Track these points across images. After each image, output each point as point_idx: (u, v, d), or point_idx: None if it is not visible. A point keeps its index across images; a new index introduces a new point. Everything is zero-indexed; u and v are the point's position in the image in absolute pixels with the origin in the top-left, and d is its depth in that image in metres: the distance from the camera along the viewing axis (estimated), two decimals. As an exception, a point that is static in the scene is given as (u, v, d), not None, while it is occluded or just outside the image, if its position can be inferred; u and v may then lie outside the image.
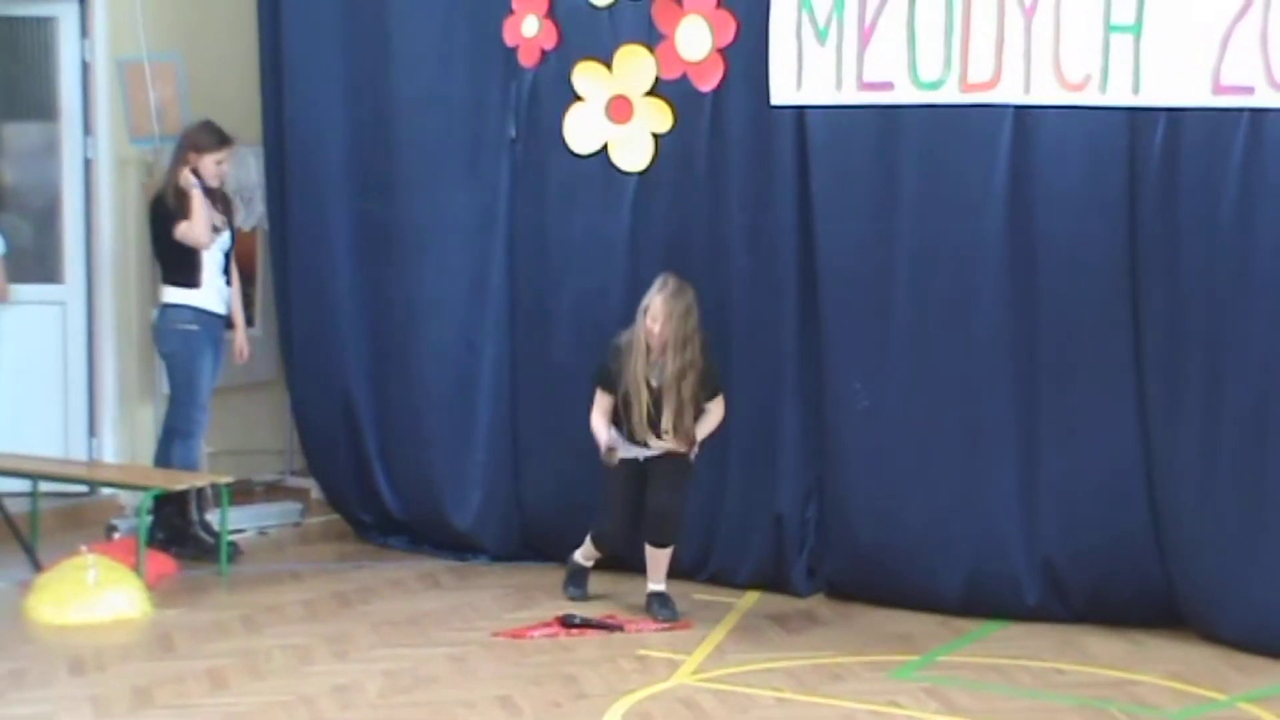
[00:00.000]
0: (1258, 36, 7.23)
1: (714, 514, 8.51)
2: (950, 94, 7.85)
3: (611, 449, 7.96)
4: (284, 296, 9.60)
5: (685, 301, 7.91)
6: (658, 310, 7.88)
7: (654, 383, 7.91)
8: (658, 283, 7.97)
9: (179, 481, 8.89)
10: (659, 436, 7.96)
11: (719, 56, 8.37)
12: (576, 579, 8.38)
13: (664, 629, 7.94)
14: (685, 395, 7.88)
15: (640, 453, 8.03)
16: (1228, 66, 7.29)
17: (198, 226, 8.91)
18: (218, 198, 9.12)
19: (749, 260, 8.33)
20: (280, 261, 9.59)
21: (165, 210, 8.99)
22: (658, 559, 8.12)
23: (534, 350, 8.94)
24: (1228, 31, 7.28)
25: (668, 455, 8.00)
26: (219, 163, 9.03)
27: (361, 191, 9.21)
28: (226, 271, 9.13)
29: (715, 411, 8.08)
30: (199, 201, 8.93)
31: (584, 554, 8.34)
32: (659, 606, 8.07)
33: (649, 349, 7.90)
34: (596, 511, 8.23)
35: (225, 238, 9.12)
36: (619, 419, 8.01)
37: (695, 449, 8.04)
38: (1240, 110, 7.28)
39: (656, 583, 8.14)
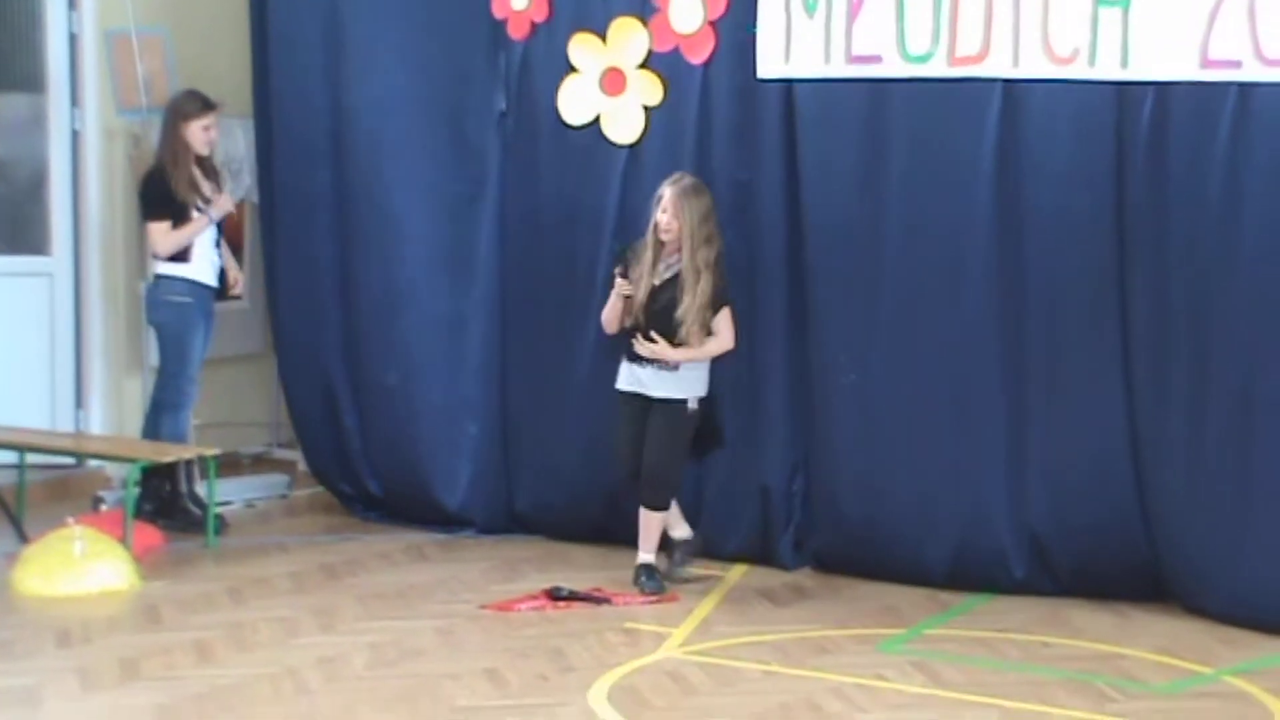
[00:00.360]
0: (1245, 11, 7.22)
1: (701, 487, 8.50)
2: (939, 67, 7.84)
3: (626, 295, 7.94)
4: (272, 269, 9.58)
5: (703, 201, 7.89)
6: (667, 201, 7.87)
7: (657, 280, 7.90)
8: (672, 177, 7.97)
9: (166, 454, 8.88)
10: (647, 335, 7.88)
11: (710, 29, 8.36)
12: (674, 555, 8.22)
13: (650, 602, 7.94)
14: (697, 302, 7.81)
15: (642, 385, 7.96)
16: (1216, 41, 7.29)
17: (175, 240, 8.87)
18: (208, 169, 9.09)
19: (736, 233, 8.31)
20: (269, 234, 9.57)
21: (158, 189, 8.93)
22: (647, 524, 8.06)
23: (523, 323, 8.92)
24: (1216, 6, 7.27)
25: (667, 406, 7.94)
26: (206, 128, 8.98)
27: (347, 164, 9.16)
28: (218, 243, 9.11)
29: (724, 332, 7.97)
30: (197, 226, 8.89)
31: (669, 523, 8.20)
32: (645, 579, 8.05)
33: (659, 243, 7.89)
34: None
35: None
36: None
37: (695, 404, 7.96)
38: (1228, 84, 7.28)
39: (646, 553, 8.09)
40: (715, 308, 7.93)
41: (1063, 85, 7.61)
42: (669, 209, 7.88)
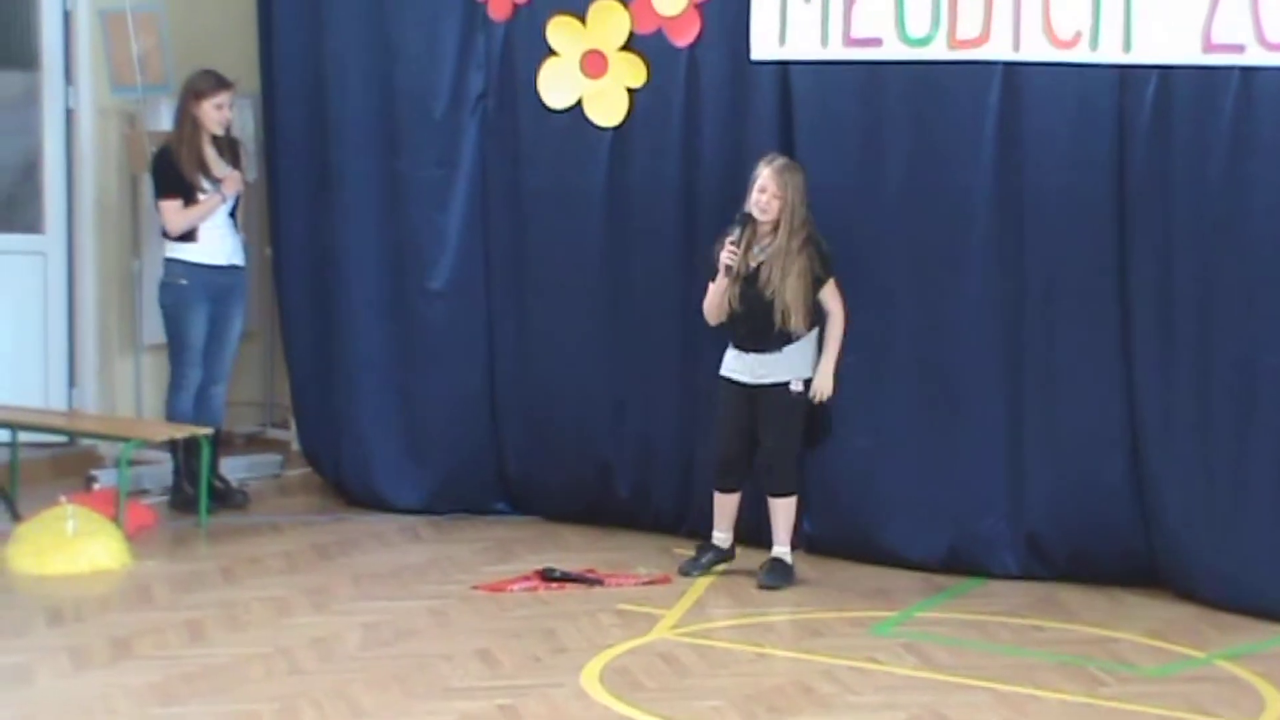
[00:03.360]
0: (1248, -5, 7.22)
1: (692, 469, 8.48)
2: (938, 50, 7.81)
3: (728, 264, 7.79)
4: (278, 249, 9.53)
5: (801, 179, 7.76)
6: (766, 179, 7.73)
7: (753, 264, 7.77)
8: (766, 157, 7.84)
9: (159, 433, 8.87)
10: (744, 321, 7.80)
11: (695, 11, 8.31)
12: (702, 555, 8.05)
13: (643, 583, 7.91)
14: (801, 285, 7.70)
15: (747, 373, 7.86)
16: (1218, 25, 7.26)
17: (186, 218, 8.87)
18: (224, 145, 9.06)
19: (729, 218, 8.24)
20: (275, 213, 9.52)
21: (167, 167, 8.90)
22: (774, 512, 7.92)
23: (510, 305, 8.88)
24: (1218, -10, 7.26)
25: (774, 391, 7.83)
26: (218, 107, 8.94)
27: (335, 143, 9.10)
28: (234, 215, 9.08)
29: (837, 308, 7.85)
30: (209, 205, 8.89)
31: (716, 519, 8.05)
32: (764, 574, 7.85)
33: (753, 225, 7.78)
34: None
35: None
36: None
37: (800, 385, 7.83)
38: (1231, 68, 7.25)
39: (780, 545, 7.90)
40: (819, 286, 7.82)
41: (1064, 69, 7.58)
42: (768, 187, 7.73)
